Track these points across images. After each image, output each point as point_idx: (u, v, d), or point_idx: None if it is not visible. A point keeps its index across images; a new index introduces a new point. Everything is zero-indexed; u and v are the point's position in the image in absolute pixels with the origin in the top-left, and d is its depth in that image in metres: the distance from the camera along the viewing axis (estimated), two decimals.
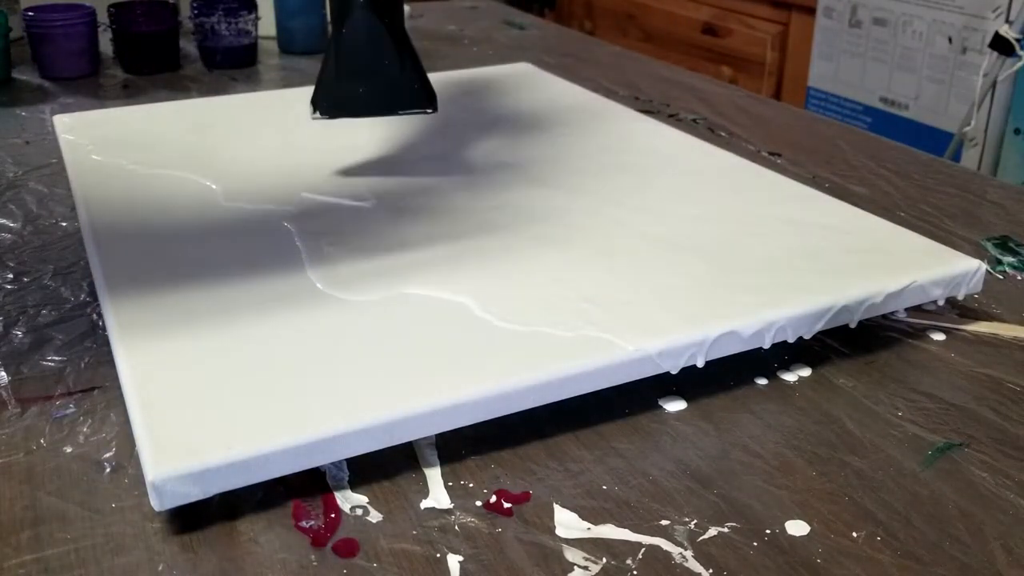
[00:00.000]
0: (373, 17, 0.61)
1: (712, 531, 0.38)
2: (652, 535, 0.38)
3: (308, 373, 0.42)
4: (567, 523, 0.38)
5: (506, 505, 0.39)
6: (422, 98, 0.63)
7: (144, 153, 0.68)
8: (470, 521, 0.38)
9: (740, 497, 0.40)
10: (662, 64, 1.09)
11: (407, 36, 0.63)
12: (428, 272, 0.51)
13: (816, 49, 1.78)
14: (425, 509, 0.39)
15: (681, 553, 0.37)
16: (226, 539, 0.37)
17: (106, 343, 0.50)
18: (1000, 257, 0.62)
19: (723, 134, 0.84)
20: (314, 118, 0.62)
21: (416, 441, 0.42)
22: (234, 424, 0.38)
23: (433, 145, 0.71)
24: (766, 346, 0.47)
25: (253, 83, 1.00)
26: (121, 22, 1.00)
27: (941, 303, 0.54)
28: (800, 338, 0.48)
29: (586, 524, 0.38)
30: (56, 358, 0.49)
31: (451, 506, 0.39)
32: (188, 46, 1.08)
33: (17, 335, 0.51)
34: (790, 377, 0.48)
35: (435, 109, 0.63)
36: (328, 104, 0.62)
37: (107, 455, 0.42)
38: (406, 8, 1.31)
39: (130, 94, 0.95)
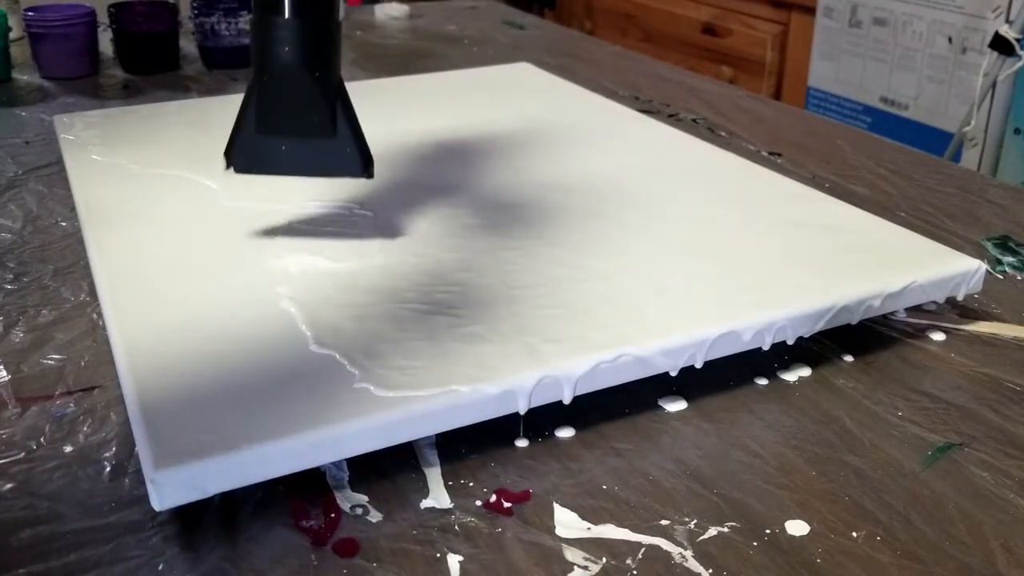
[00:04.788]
0: (301, 69, 0.52)
1: (712, 531, 0.38)
2: (652, 535, 0.38)
3: (308, 373, 0.42)
4: (567, 523, 0.38)
5: (506, 504, 0.39)
6: (355, 163, 0.53)
7: (144, 153, 0.68)
8: (470, 521, 0.38)
9: (740, 497, 0.40)
10: (662, 64, 1.09)
11: (343, 87, 0.54)
12: (428, 272, 0.51)
13: (816, 49, 1.78)
14: (425, 509, 0.39)
15: (681, 553, 0.37)
16: (226, 539, 0.37)
17: (106, 343, 0.50)
18: (1000, 257, 0.62)
19: (723, 134, 0.84)
20: (225, 172, 0.54)
21: (416, 441, 0.42)
22: (234, 424, 0.38)
23: (433, 146, 0.71)
24: (766, 347, 0.47)
25: None
26: (121, 22, 1.00)
27: (941, 303, 0.54)
28: (800, 338, 0.48)
29: (586, 524, 0.38)
30: (56, 357, 0.49)
31: (451, 506, 0.39)
32: (188, 46, 1.08)
33: (17, 335, 0.51)
34: (790, 377, 0.48)
35: (371, 175, 0.54)
36: (243, 159, 0.54)
37: (107, 455, 0.42)
38: (405, 8, 1.33)
39: (130, 94, 0.95)
